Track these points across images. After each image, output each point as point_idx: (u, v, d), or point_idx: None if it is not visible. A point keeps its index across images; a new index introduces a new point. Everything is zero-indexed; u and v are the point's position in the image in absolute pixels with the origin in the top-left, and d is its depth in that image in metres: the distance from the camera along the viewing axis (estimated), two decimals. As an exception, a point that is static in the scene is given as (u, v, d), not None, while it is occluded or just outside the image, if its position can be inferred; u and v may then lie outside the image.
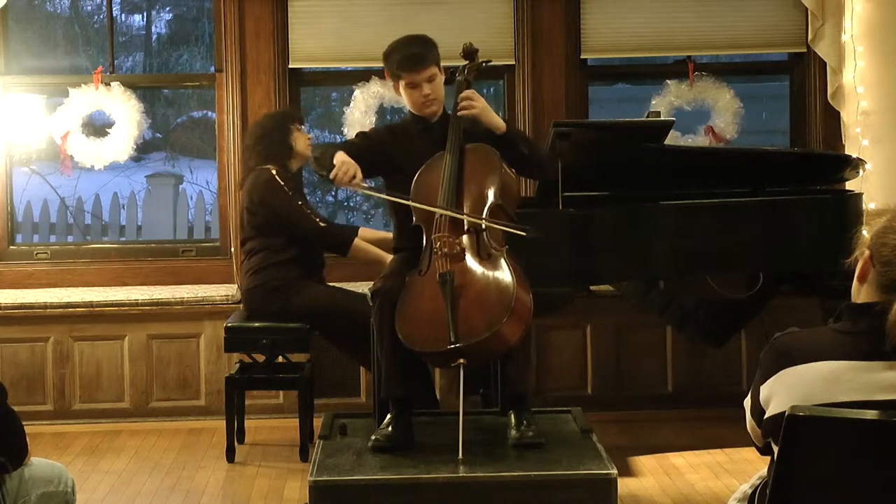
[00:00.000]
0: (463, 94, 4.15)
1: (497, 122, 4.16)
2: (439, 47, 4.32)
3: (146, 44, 11.91)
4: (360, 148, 4.26)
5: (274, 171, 5.21)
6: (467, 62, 4.33)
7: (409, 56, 4.20)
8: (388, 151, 4.26)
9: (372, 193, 4.13)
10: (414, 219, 4.09)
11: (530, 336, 4.02)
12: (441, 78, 4.24)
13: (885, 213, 2.39)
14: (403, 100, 4.30)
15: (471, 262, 3.90)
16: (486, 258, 3.89)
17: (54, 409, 5.78)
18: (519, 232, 3.91)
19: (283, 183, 5.19)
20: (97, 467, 5.15)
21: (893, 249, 2.30)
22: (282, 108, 5.99)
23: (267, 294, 5.15)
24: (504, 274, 3.83)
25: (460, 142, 4.12)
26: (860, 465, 2.23)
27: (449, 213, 3.96)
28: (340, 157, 4.03)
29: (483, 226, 3.93)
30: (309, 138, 5.46)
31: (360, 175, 4.02)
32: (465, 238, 3.94)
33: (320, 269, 5.34)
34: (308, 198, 5.45)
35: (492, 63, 4.52)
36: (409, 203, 4.07)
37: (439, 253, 3.92)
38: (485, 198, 4.01)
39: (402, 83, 4.23)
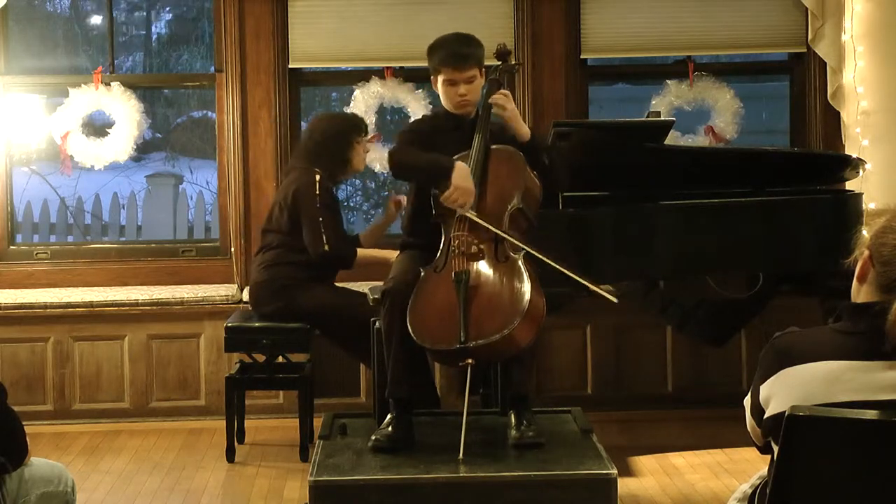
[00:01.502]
0: (499, 92, 4.14)
1: (523, 129, 4.15)
2: None
3: (146, 44, 11.91)
4: (416, 144, 4.23)
5: (318, 177, 5.18)
6: (500, 63, 4.33)
7: (454, 54, 4.16)
8: (425, 143, 4.24)
9: (475, 219, 4.02)
10: (434, 212, 4.08)
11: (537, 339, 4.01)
12: (480, 81, 4.21)
13: (885, 213, 2.39)
14: (440, 96, 4.27)
15: (488, 263, 3.90)
16: (504, 261, 3.89)
17: (54, 409, 5.78)
18: (608, 296, 3.93)
19: (318, 192, 5.14)
20: (97, 467, 5.15)
21: (893, 249, 2.30)
22: (349, 114, 5.71)
23: (274, 291, 5.16)
24: (520, 278, 3.82)
25: (486, 142, 4.12)
26: (860, 465, 2.23)
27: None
28: (461, 182, 3.97)
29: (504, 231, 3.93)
30: (367, 153, 5.47)
31: (470, 202, 3.98)
32: (484, 239, 3.94)
33: (332, 273, 5.32)
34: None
35: (521, 64, 4.51)
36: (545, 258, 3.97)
37: (457, 252, 3.92)
38: (507, 200, 4.01)
39: (440, 78, 4.20)
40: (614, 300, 3.96)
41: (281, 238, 5.22)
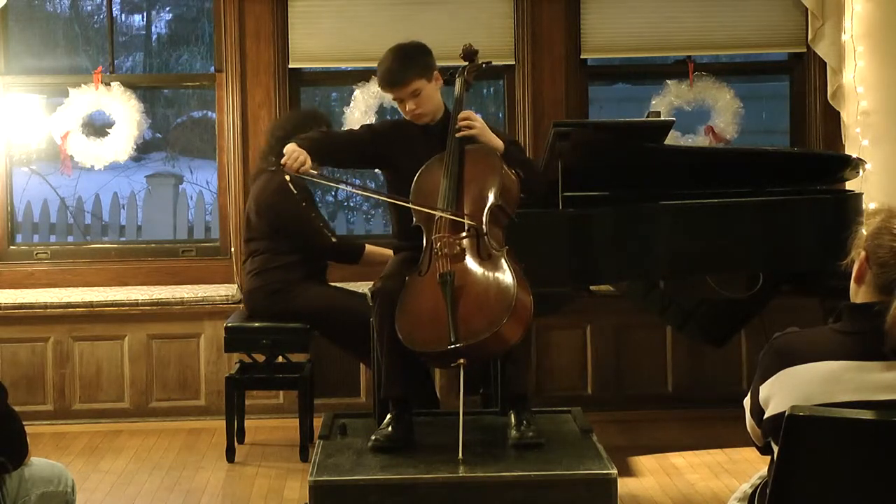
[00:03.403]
0: (461, 115, 4.13)
1: (496, 142, 4.14)
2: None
3: (146, 44, 11.90)
4: (360, 139, 4.28)
5: (287, 177, 5.18)
6: (467, 63, 4.33)
7: (384, 77, 4.20)
8: (389, 147, 4.26)
9: (323, 182, 4.13)
10: (414, 219, 4.09)
11: (531, 336, 4.02)
12: (431, 87, 4.20)
13: (880, 213, 2.39)
14: None
15: (471, 262, 3.90)
16: (487, 258, 3.89)
17: (54, 409, 5.78)
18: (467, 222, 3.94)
19: (295, 191, 5.17)
20: (97, 467, 5.15)
21: (889, 251, 2.30)
22: (307, 108, 5.83)
23: (268, 296, 5.16)
24: (504, 274, 3.83)
25: (461, 143, 4.12)
26: (860, 465, 2.23)
27: (440, 213, 3.96)
28: (290, 147, 4.06)
29: (485, 229, 3.93)
30: None
31: (308, 163, 4.03)
32: (465, 238, 3.94)
33: (323, 271, 5.34)
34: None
35: (492, 64, 4.51)
36: (394, 201, 4.08)
37: (440, 253, 3.92)
38: (485, 199, 4.01)
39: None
40: (454, 218, 3.96)
41: (266, 243, 5.22)
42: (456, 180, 4.04)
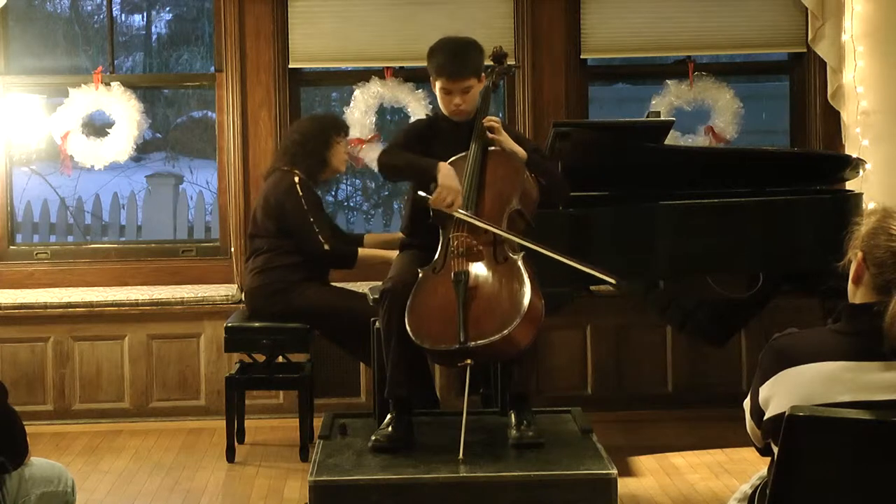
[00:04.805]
0: (488, 118, 4.12)
1: (517, 150, 4.14)
2: None
3: (146, 44, 11.91)
4: (407, 147, 4.23)
5: (297, 179, 5.18)
6: (496, 65, 4.32)
7: (450, 66, 4.13)
8: (424, 145, 4.22)
9: (469, 219, 4.02)
10: (431, 215, 4.08)
11: (538, 339, 4.01)
12: (478, 87, 4.18)
13: (875, 213, 2.39)
14: (437, 97, 4.28)
15: (487, 263, 3.90)
16: (503, 261, 3.89)
17: (54, 409, 5.78)
18: (608, 279, 3.93)
19: (301, 193, 5.17)
20: (97, 467, 5.15)
21: (886, 251, 2.30)
22: (330, 114, 5.85)
23: (269, 295, 5.16)
24: (518, 278, 3.82)
25: (484, 145, 4.11)
26: (859, 465, 2.23)
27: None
28: (446, 180, 3.97)
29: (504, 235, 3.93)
30: (347, 153, 5.47)
31: (458, 203, 3.98)
32: (482, 240, 3.94)
33: (325, 272, 5.34)
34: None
35: (518, 67, 4.48)
36: (549, 253, 3.98)
37: (456, 252, 3.92)
38: (505, 202, 4.01)
39: (437, 84, 4.19)
40: (612, 280, 3.94)
41: (269, 242, 5.22)
42: (477, 182, 4.04)
